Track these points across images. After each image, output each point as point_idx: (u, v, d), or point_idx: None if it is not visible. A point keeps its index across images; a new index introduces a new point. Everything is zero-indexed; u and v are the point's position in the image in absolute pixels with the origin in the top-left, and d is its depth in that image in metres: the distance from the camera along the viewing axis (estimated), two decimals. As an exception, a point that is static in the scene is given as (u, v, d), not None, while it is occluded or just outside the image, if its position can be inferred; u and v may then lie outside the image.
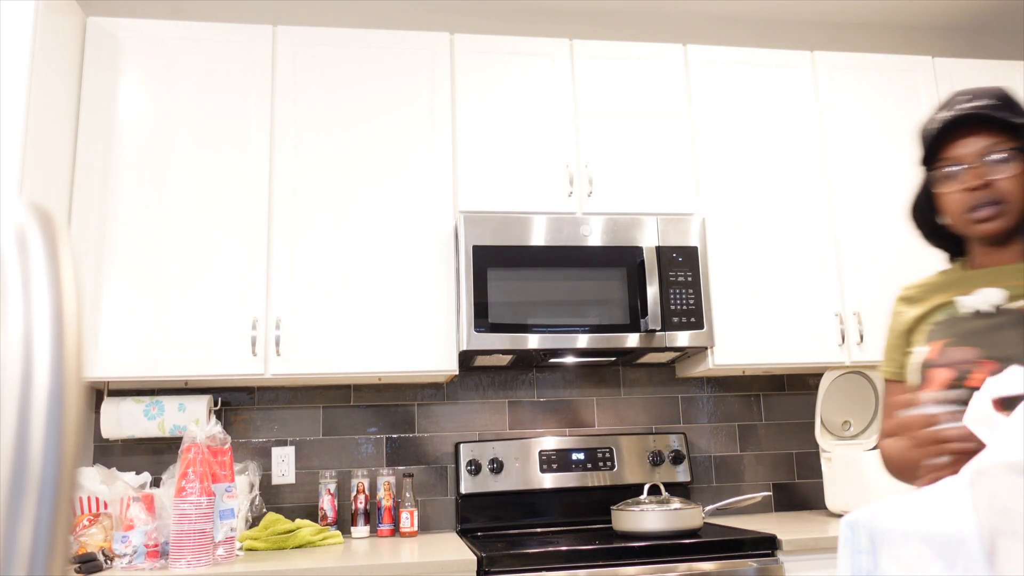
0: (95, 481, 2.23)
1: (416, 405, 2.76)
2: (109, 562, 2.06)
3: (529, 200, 2.59)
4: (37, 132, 2.15)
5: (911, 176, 2.81)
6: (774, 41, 3.29)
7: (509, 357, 2.60)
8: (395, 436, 2.73)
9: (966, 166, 1.27)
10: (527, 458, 2.66)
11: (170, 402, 2.44)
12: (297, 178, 2.50)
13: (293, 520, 2.41)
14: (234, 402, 2.65)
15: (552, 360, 2.69)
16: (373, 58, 2.62)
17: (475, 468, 2.61)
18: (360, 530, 2.51)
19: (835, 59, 2.89)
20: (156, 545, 2.07)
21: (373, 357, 2.41)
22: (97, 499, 2.21)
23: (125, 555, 2.07)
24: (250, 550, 2.29)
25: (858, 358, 2.64)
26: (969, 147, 1.27)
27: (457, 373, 2.51)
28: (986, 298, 1.27)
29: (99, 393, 2.55)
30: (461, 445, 2.65)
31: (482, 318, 2.39)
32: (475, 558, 2.05)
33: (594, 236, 2.52)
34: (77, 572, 1.94)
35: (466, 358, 2.53)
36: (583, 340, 2.44)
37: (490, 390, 2.81)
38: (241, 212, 2.44)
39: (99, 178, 2.39)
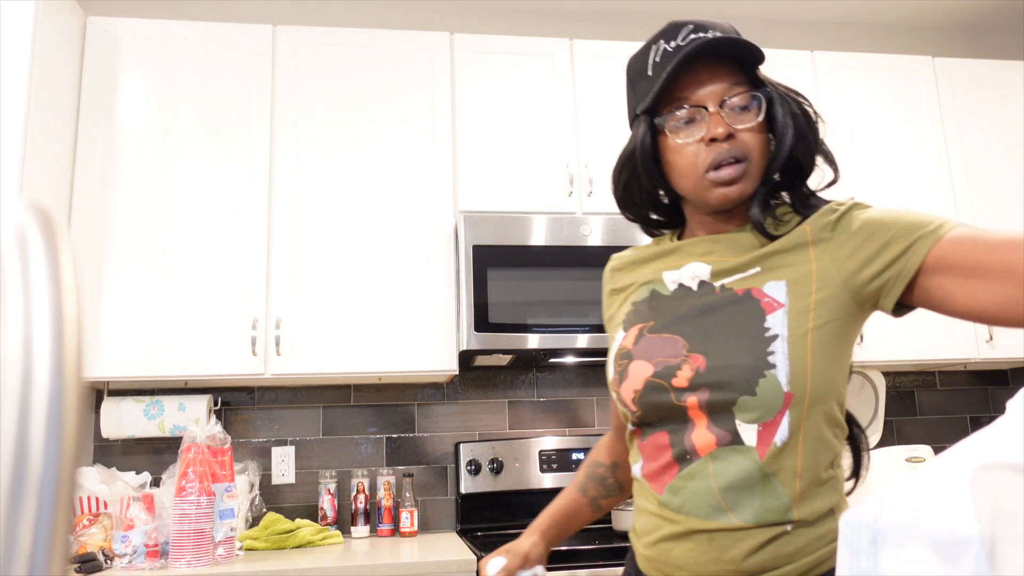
0: (95, 481, 2.23)
1: (416, 405, 2.76)
2: (109, 562, 2.06)
3: (529, 200, 2.59)
4: (37, 132, 2.15)
5: (911, 174, 2.81)
6: (774, 41, 3.29)
7: (509, 357, 2.60)
8: (395, 436, 2.73)
9: (707, 110, 0.99)
10: (527, 458, 2.66)
11: (170, 402, 2.44)
12: (297, 177, 2.50)
13: (293, 520, 2.41)
14: (234, 402, 2.65)
15: (552, 360, 2.69)
16: (373, 57, 2.62)
17: (475, 468, 2.61)
18: (360, 530, 2.51)
19: (835, 59, 2.89)
20: (156, 545, 2.07)
21: (373, 357, 2.42)
22: (97, 499, 2.21)
23: (125, 555, 2.07)
24: (250, 550, 2.29)
25: (857, 358, 2.64)
26: (708, 87, 0.99)
27: (457, 373, 2.51)
28: (693, 271, 1.03)
29: (99, 393, 2.54)
30: (461, 445, 2.64)
31: (482, 318, 2.39)
32: (475, 558, 2.05)
33: (594, 236, 2.51)
34: (77, 572, 1.94)
35: (466, 358, 2.53)
36: (583, 340, 2.44)
37: (490, 390, 2.81)
38: (241, 212, 2.44)
39: (99, 178, 2.39)
